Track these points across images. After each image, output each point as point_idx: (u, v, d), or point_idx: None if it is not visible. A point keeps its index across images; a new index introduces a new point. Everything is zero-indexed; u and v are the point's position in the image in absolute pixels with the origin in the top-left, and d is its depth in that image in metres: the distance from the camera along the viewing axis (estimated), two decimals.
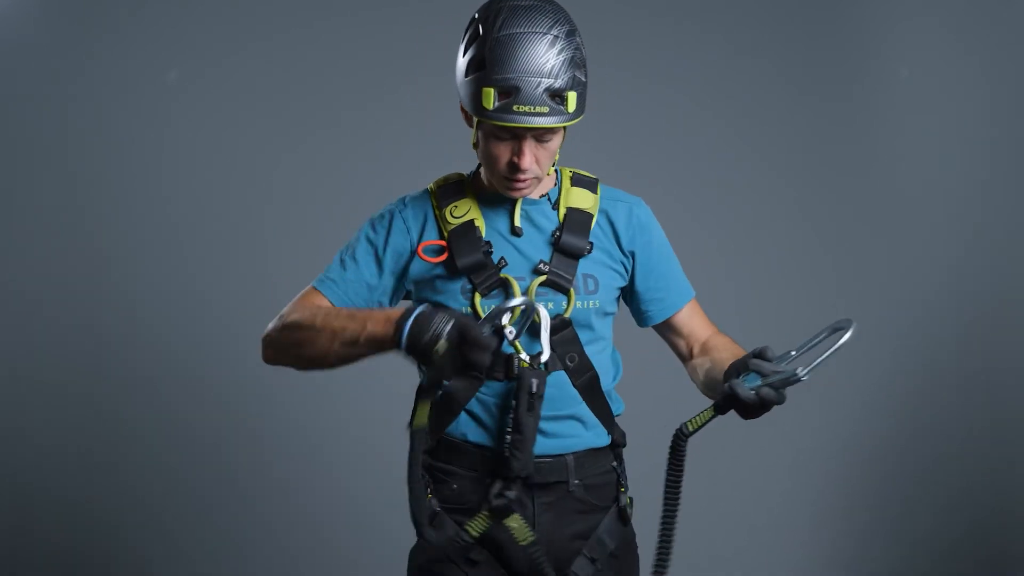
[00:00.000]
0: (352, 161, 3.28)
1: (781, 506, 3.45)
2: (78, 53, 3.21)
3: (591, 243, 1.79)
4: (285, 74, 3.29)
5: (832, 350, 1.50)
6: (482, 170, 1.80)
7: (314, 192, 3.26)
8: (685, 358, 1.91)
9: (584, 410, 1.80)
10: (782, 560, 3.44)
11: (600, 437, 1.83)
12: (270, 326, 1.76)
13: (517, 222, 1.78)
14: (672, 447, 1.66)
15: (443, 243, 1.78)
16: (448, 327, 1.54)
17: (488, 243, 1.77)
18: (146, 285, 3.25)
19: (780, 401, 1.54)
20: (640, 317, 1.91)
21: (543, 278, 1.75)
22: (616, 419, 1.87)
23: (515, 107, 1.63)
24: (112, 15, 3.22)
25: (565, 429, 1.79)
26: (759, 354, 1.59)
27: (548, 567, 1.70)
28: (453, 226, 1.78)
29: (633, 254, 1.84)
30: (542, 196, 1.82)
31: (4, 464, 3.24)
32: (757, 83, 3.46)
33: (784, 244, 3.47)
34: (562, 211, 1.80)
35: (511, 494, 1.70)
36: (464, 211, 1.79)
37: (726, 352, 1.76)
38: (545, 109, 1.63)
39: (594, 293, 1.79)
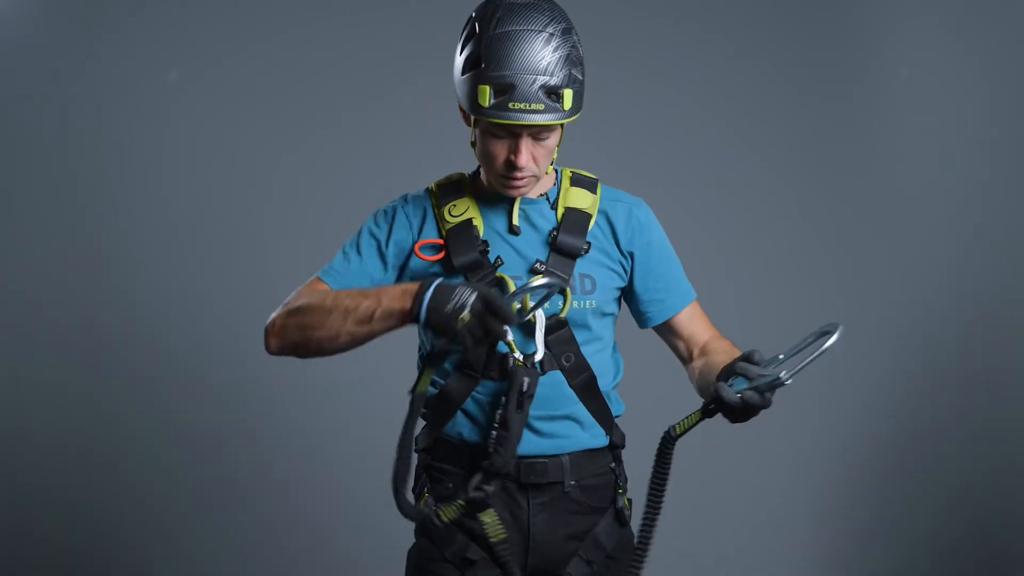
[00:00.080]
0: (352, 161, 3.28)
1: (781, 506, 3.45)
2: (78, 53, 3.22)
3: (588, 243, 1.79)
4: (285, 74, 3.29)
5: (816, 354, 1.50)
6: (481, 169, 1.80)
7: (314, 192, 3.27)
8: (685, 360, 1.90)
9: (581, 410, 1.80)
10: (782, 560, 3.44)
11: (597, 438, 1.83)
12: (274, 314, 1.76)
13: (515, 221, 1.79)
14: (659, 449, 1.66)
15: (440, 241, 1.78)
16: (472, 298, 1.55)
17: (485, 242, 1.77)
18: (146, 285, 3.26)
19: (765, 405, 1.53)
20: (640, 318, 1.90)
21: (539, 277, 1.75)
22: (616, 420, 1.87)
23: (511, 104, 1.63)
24: (112, 15, 3.23)
25: (561, 429, 1.79)
26: (747, 358, 1.58)
27: (515, 567, 1.69)
28: (451, 225, 1.78)
29: (632, 255, 1.84)
30: (541, 196, 1.82)
31: (4, 464, 3.24)
32: (757, 83, 3.46)
33: (784, 244, 3.47)
34: (560, 211, 1.80)
35: (489, 488, 1.69)
36: (462, 210, 1.79)
37: (723, 355, 1.75)
38: (541, 106, 1.64)
39: (591, 293, 1.79)
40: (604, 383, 1.82)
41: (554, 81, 1.64)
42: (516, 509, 1.78)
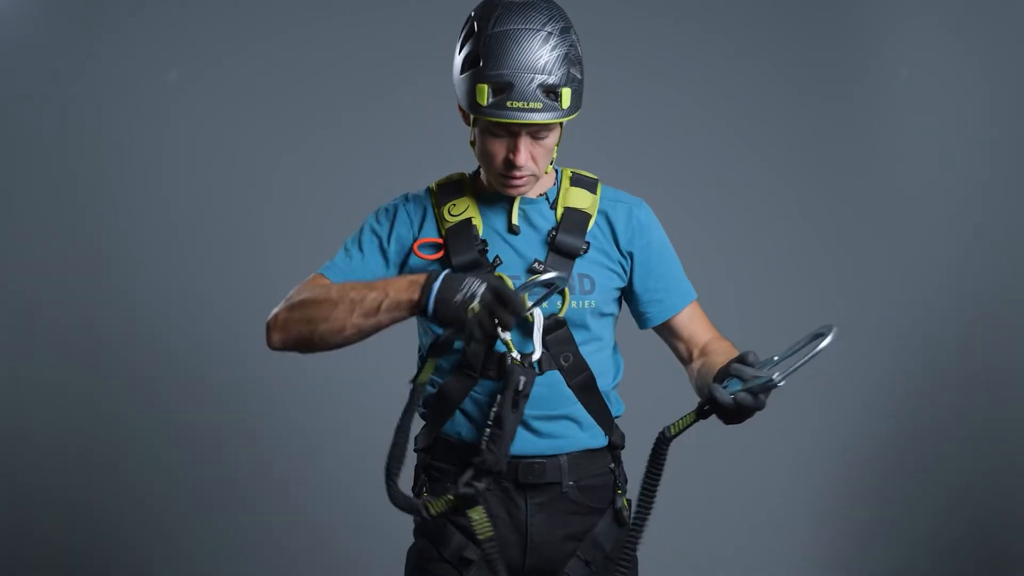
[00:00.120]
0: (352, 161, 3.28)
1: (781, 506, 3.45)
2: (78, 53, 3.22)
3: (587, 243, 1.79)
4: (285, 74, 3.30)
5: (809, 356, 1.51)
6: (481, 169, 1.80)
7: (314, 192, 3.27)
8: (685, 361, 1.90)
9: (579, 410, 1.80)
10: (782, 560, 3.44)
11: (596, 438, 1.83)
12: (276, 309, 1.75)
13: (515, 220, 1.79)
14: (653, 450, 1.65)
15: (439, 240, 1.78)
16: (482, 289, 1.55)
17: (484, 241, 1.77)
18: (146, 285, 3.26)
19: (758, 407, 1.53)
20: (640, 319, 1.90)
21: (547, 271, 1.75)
22: (616, 421, 1.87)
23: (509, 103, 1.63)
24: (112, 15, 3.23)
25: (559, 429, 1.79)
26: (741, 359, 1.58)
27: (501, 566, 1.69)
28: (450, 224, 1.78)
29: (631, 255, 1.83)
30: (540, 195, 1.82)
31: (4, 464, 3.25)
32: (757, 83, 3.46)
33: (784, 244, 3.47)
34: (559, 210, 1.80)
35: (480, 485, 1.69)
36: (462, 209, 1.79)
37: (722, 356, 1.74)
38: (539, 105, 1.64)
39: (590, 293, 1.79)
40: (603, 383, 1.82)
41: (552, 80, 1.64)
42: (514, 509, 1.78)
